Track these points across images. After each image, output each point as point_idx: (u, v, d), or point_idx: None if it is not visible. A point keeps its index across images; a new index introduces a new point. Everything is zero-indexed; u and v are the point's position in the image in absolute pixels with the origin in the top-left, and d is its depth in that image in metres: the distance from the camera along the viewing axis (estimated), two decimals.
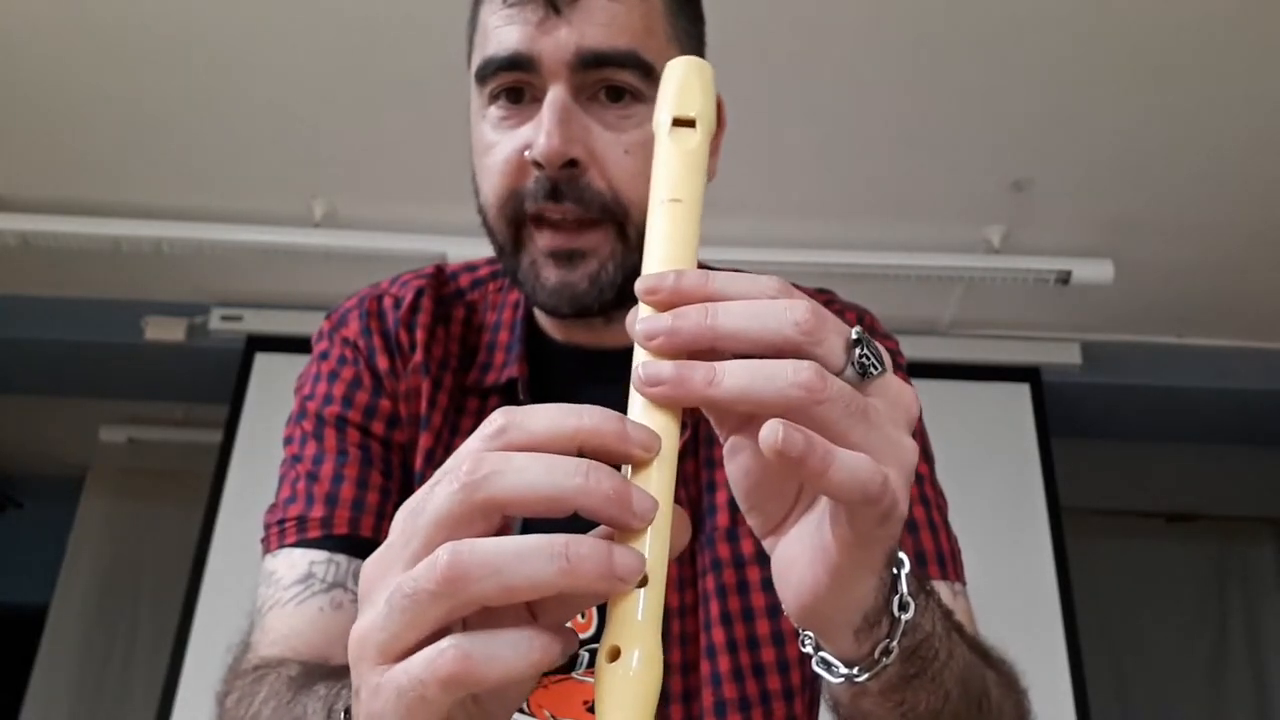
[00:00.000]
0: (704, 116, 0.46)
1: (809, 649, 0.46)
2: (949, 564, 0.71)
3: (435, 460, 0.71)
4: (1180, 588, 3.61)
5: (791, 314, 0.38)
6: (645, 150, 0.65)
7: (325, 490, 0.70)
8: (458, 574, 0.34)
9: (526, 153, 0.67)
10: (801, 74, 2.08)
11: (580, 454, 0.36)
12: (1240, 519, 3.64)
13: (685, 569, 0.68)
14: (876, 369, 0.40)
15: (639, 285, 0.41)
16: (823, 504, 0.41)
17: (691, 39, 0.74)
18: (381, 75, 2.12)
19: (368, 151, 2.35)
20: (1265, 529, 3.66)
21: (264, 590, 0.68)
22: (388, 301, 0.79)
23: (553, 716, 0.64)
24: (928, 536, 0.71)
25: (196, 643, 2.51)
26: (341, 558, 0.67)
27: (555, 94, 0.66)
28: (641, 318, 0.40)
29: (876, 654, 0.44)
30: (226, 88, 2.17)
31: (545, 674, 0.49)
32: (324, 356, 0.78)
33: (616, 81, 0.67)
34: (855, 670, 0.44)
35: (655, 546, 0.36)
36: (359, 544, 0.68)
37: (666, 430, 0.38)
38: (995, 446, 2.74)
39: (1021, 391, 2.83)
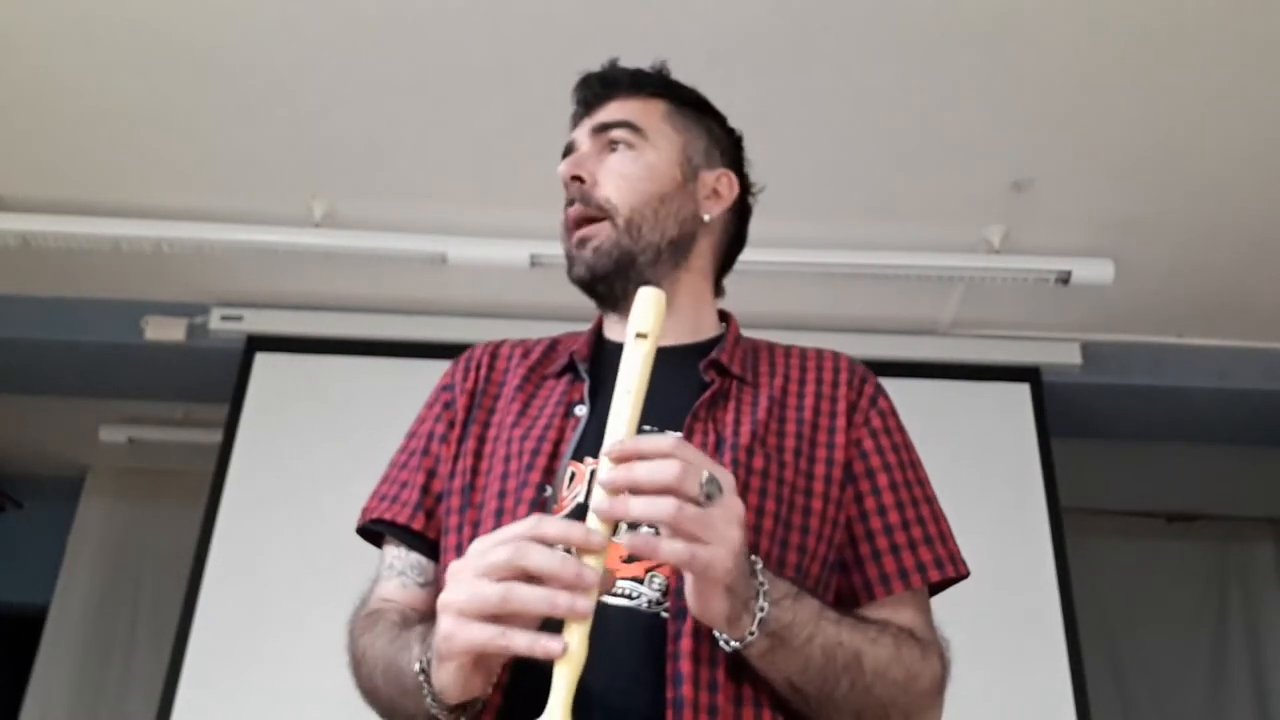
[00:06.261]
0: (653, 331, 0.77)
1: (716, 634, 0.79)
2: (912, 575, 0.93)
3: (526, 412, 1.01)
4: (1180, 588, 3.60)
5: (672, 470, 0.72)
6: (633, 171, 1.03)
7: (402, 496, 1.02)
8: (507, 596, 0.70)
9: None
10: (801, 73, 2.08)
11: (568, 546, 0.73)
12: (1240, 519, 3.64)
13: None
14: (717, 493, 0.74)
15: (605, 449, 0.74)
16: None
17: (694, 129, 1.08)
18: (382, 75, 2.12)
19: (368, 151, 2.35)
20: (1265, 529, 3.66)
21: (378, 565, 1.03)
22: (479, 346, 1.10)
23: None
24: (902, 554, 0.95)
25: (196, 643, 2.51)
26: (402, 551, 1.00)
27: (578, 147, 1.07)
28: (603, 471, 0.73)
29: (745, 635, 0.77)
30: (226, 88, 2.17)
31: None
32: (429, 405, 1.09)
33: (614, 137, 1.05)
34: (737, 643, 0.78)
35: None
36: (414, 537, 1.00)
37: (604, 530, 0.73)
38: (995, 446, 2.74)
39: (1021, 391, 2.82)
